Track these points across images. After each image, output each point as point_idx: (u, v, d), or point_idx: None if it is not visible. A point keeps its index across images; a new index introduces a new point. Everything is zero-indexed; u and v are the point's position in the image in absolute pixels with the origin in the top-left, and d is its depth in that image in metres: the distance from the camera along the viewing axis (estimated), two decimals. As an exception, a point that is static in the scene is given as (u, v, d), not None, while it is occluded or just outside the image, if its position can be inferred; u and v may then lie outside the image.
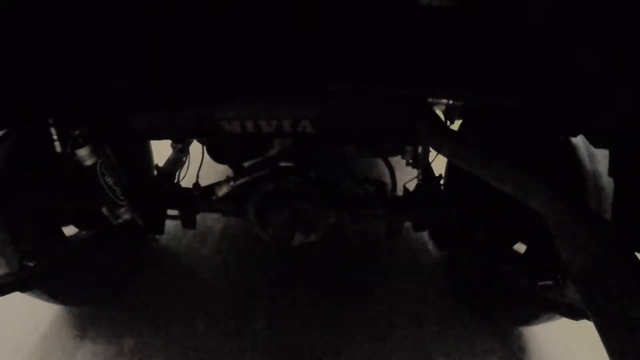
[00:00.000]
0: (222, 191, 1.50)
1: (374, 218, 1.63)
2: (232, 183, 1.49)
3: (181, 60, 0.93)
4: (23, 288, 1.45)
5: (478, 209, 1.64)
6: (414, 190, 1.66)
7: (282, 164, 1.48)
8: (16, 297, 1.56)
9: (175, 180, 1.77)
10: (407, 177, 1.74)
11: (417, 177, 1.68)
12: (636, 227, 0.80)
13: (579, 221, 0.70)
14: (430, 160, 1.67)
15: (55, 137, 1.20)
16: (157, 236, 1.84)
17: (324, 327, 1.73)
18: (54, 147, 1.20)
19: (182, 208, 1.64)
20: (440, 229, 1.72)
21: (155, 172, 1.82)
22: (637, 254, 0.68)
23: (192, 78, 0.98)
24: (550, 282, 1.38)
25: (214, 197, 1.52)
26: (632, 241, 0.77)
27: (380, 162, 1.55)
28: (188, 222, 1.69)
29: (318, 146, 1.49)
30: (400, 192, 1.69)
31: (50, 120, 1.18)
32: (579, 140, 1.33)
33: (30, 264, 1.39)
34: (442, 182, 1.69)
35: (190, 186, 1.64)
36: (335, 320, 1.77)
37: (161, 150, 1.99)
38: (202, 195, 1.58)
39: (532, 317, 1.61)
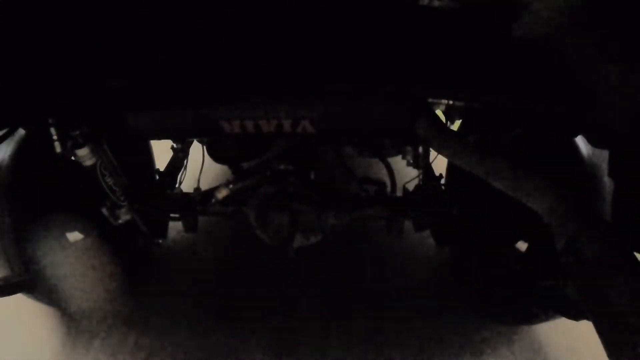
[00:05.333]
0: (222, 194, 1.50)
1: (374, 219, 1.63)
2: (231, 186, 1.49)
3: (181, 61, 0.93)
4: (26, 290, 1.45)
5: (479, 207, 1.64)
6: (413, 190, 1.66)
7: (282, 166, 1.48)
8: (20, 301, 1.58)
9: (177, 184, 1.77)
10: (408, 178, 1.73)
11: (417, 177, 1.68)
12: (636, 227, 0.80)
13: (578, 221, 0.70)
14: (431, 160, 1.66)
15: (55, 137, 1.20)
16: (160, 240, 1.84)
17: (326, 327, 1.73)
18: (54, 148, 1.21)
19: (183, 212, 1.64)
20: (442, 228, 1.71)
21: (157, 177, 1.82)
22: (637, 254, 0.68)
23: (192, 78, 0.98)
24: (551, 282, 1.38)
25: (213, 201, 1.52)
26: (632, 241, 0.77)
27: (380, 163, 1.54)
28: (189, 225, 1.69)
29: (318, 147, 1.49)
30: (400, 192, 1.69)
31: (50, 121, 1.18)
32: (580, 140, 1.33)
33: (35, 266, 1.39)
34: (442, 181, 1.69)
35: (191, 188, 1.64)
36: (334, 315, 1.78)
37: (161, 151, 1.99)
38: (202, 200, 1.58)
39: (533, 316, 1.61)
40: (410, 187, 1.69)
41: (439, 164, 1.69)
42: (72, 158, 1.28)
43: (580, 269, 0.66)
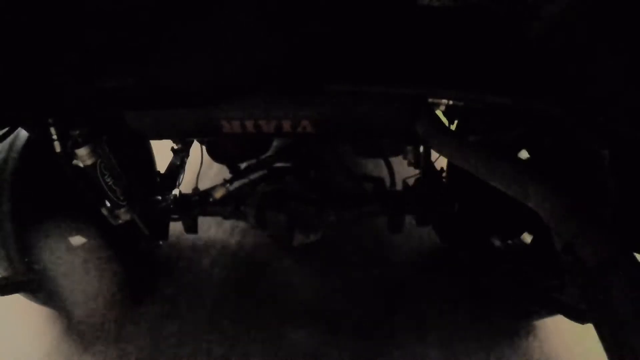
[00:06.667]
0: (219, 194, 1.50)
1: (373, 215, 1.63)
2: (228, 185, 1.49)
3: (180, 60, 0.93)
4: (28, 290, 1.45)
5: (481, 202, 1.63)
6: (413, 184, 1.66)
7: (280, 164, 1.48)
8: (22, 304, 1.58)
9: (177, 185, 1.77)
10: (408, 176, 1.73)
11: (418, 175, 1.68)
12: (636, 227, 0.80)
13: (578, 222, 0.70)
14: (432, 159, 1.66)
15: (55, 137, 1.20)
16: (161, 242, 1.84)
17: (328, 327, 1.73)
18: (53, 147, 1.21)
19: (182, 213, 1.64)
20: (443, 223, 1.71)
21: (157, 177, 1.82)
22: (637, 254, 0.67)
23: (192, 78, 0.98)
24: (555, 282, 1.37)
25: (211, 200, 1.52)
26: (632, 241, 0.76)
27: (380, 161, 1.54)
28: (189, 226, 1.69)
29: (316, 146, 1.49)
30: (399, 188, 1.69)
31: (50, 120, 1.18)
32: None
33: (37, 266, 1.39)
34: (444, 175, 1.68)
35: (190, 188, 1.64)
36: (336, 315, 1.77)
37: (161, 151, 1.99)
38: (201, 200, 1.59)
39: (534, 313, 1.61)
40: (411, 183, 1.69)
41: (440, 162, 1.69)
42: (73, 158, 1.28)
43: (579, 271, 0.66)
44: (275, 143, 1.55)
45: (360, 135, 1.40)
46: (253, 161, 1.53)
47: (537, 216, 0.82)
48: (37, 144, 1.35)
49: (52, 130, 1.20)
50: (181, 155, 1.85)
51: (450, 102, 1.24)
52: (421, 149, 1.59)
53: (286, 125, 1.18)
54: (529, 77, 0.86)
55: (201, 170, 1.70)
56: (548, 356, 1.65)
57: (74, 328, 1.73)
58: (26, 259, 1.39)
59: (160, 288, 1.94)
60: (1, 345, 1.66)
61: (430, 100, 1.17)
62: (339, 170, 1.52)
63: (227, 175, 1.59)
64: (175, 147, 1.86)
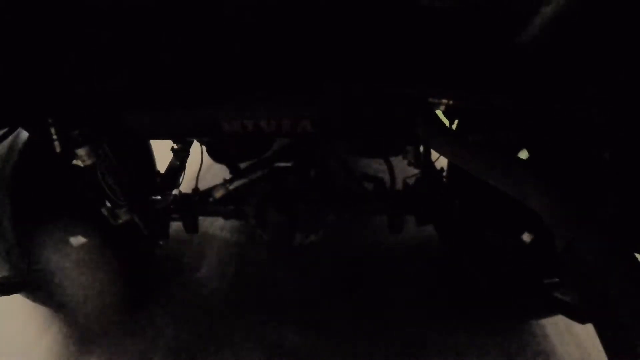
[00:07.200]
0: (219, 194, 1.50)
1: (374, 214, 1.63)
2: (228, 185, 1.49)
3: (180, 60, 0.93)
4: (28, 290, 1.45)
5: (482, 201, 1.63)
6: (413, 183, 1.66)
7: (281, 164, 1.48)
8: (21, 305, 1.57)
9: (177, 185, 1.77)
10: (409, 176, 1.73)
11: (418, 175, 1.68)
12: (636, 227, 0.80)
13: (578, 223, 0.70)
14: (432, 159, 1.66)
15: (55, 137, 1.20)
16: (162, 242, 1.83)
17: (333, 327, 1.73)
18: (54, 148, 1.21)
19: (183, 214, 1.64)
20: (444, 222, 1.71)
21: (157, 177, 1.82)
22: (637, 254, 0.67)
23: (192, 78, 0.98)
24: (556, 280, 1.37)
25: (211, 200, 1.52)
26: (632, 241, 0.76)
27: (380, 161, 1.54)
28: (190, 226, 1.69)
29: (316, 145, 1.49)
30: (400, 188, 1.68)
31: (50, 120, 1.19)
32: None
33: (37, 266, 1.39)
34: (444, 175, 1.68)
35: (190, 188, 1.64)
36: (336, 312, 1.77)
37: (161, 151, 1.99)
38: (201, 200, 1.58)
39: (535, 313, 1.61)
40: (411, 183, 1.68)
41: (440, 162, 1.69)
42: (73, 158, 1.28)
43: (580, 271, 0.66)
44: (275, 143, 1.55)
45: (360, 135, 1.40)
46: (253, 161, 1.53)
47: (537, 216, 0.82)
48: (37, 144, 1.35)
49: (52, 130, 1.20)
50: (181, 155, 1.85)
51: (450, 102, 1.24)
52: (421, 149, 1.59)
53: (286, 125, 1.18)
54: (528, 78, 0.86)
55: (201, 170, 1.70)
56: (549, 356, 1.65)
57: (74, 328, 1.73)
58: (26, 259, 1.38)
59: (159, 288, 1.94)
60: (1, 345, 1.66)
61: (430, 100, 1.17)
62: (339, 169, 1.52)
63: (227, 175, 1.59)
64: (175, 147, 1.86)
